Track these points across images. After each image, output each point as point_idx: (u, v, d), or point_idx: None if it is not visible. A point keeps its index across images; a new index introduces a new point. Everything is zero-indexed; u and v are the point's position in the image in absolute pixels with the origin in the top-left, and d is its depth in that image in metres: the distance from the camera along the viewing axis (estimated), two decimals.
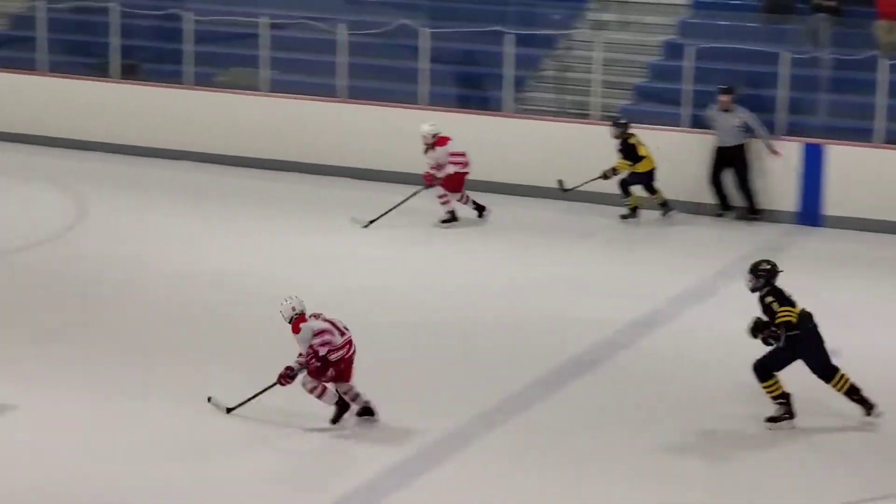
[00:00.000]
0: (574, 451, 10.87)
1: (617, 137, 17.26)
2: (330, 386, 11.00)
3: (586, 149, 17.70)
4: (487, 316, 13.92)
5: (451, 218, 17.10)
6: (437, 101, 19.09)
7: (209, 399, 11.28)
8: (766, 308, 11.22)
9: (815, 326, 11.23)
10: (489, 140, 18.36)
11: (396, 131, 18.79)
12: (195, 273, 15.02)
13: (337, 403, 11.01)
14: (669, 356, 12.91)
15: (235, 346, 12.88)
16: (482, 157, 17.66)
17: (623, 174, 17.27)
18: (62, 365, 12.27)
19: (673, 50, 18.99)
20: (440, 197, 17.03)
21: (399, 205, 16.95)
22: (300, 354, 10.92)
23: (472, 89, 19.73)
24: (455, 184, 17.04)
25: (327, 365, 10.87)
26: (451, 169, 16.86)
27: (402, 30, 19.40)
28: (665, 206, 17.50)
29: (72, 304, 14.01)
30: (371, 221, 16.86)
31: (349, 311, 11.65)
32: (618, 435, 11.16)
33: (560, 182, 17.48)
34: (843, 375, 11.27)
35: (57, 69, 21.02)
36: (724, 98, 17.44)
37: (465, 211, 17.22)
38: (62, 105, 20.70)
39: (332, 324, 10.95)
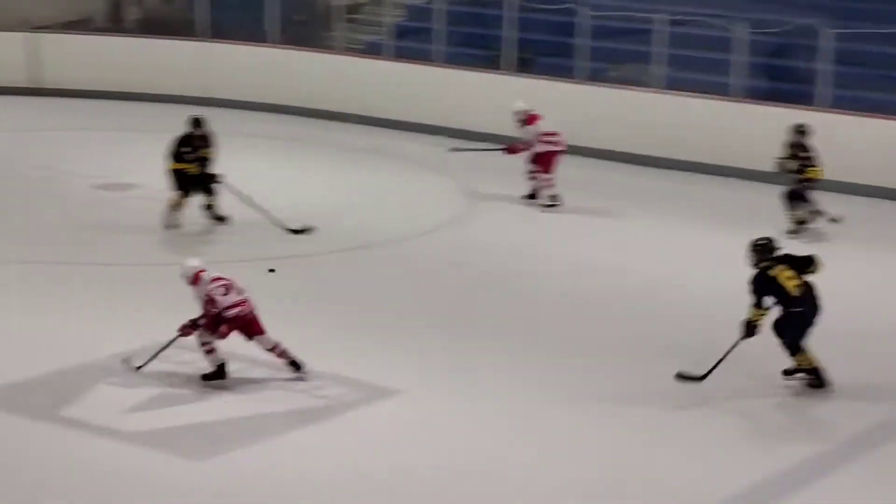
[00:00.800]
0: None
1: (797, 143, 16.23)
2: (219, 348, 11.41)
3: None
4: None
5: (554, 202, 17.00)
6: (840, 104, 18.51)
7: (123, 361, 11.61)
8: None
9: (814, 300, 11.41)
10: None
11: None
12: (590, 265, 15.09)
13: (217, 367, 11.43)
14: None
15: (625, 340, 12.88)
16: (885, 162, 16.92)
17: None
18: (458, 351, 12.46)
19: None
20: (532, 174, 17.12)
21: (483, 150, 18.25)
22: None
23: (875, 92, 19.02)
24: (547, 163, 17.02)
25: (221, 321, 11.36)
26: (539, 147, 16.93)
27: (804, 29, 18.87)
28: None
29: (465, 292, 14.22)
30: (458, 150, 18.47)
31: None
32: None
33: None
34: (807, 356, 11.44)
35: (451, 60, 21.38)
36: None
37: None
38: (454, 96, 21.05)
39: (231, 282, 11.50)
